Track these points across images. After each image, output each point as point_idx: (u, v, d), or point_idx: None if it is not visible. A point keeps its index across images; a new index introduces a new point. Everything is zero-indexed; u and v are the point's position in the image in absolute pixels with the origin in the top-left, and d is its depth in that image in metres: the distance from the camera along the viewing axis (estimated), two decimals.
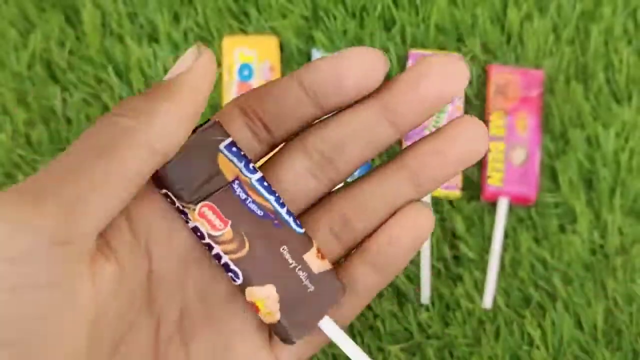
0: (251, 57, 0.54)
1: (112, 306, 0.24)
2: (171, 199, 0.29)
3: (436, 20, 0.56)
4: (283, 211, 0.32)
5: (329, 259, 0.30)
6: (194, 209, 0.30)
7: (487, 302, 0.54)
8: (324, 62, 0.26)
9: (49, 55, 0.55)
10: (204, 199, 0.31)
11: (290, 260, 0.32)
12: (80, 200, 0.22)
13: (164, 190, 0.29)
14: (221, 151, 0.31)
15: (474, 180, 0.55)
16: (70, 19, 0.57)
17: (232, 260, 0.31)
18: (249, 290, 0.31)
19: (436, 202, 0.55)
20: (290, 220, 0.32)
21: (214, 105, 0.55)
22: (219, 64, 0.55)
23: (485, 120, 0.56)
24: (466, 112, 0.56)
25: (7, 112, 0.55)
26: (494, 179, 0.54)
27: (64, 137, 0.54)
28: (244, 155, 0.30)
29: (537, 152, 0.54)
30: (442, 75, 0.26)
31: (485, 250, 0.55)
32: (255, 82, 0.54)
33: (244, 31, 0.56)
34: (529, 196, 0.54)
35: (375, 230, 0.28)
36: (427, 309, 0.54)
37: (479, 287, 0.54)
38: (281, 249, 0.32)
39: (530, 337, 0.54)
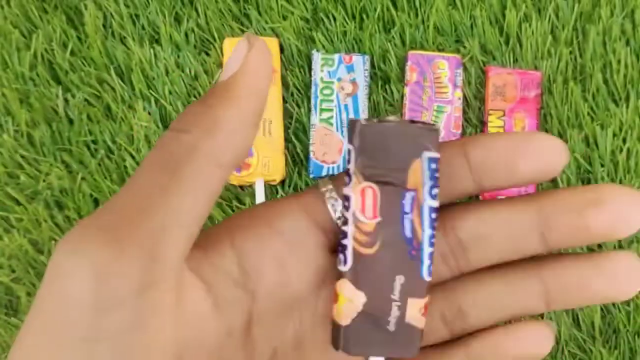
0: None
1: (200, 336, 0.23)
2: (349, 156, 0.29)
3: (435, 22, 0.56)
4: (427, 250, 0.30)
5: (434, 338, 0.28)
6: (360, 182, 0.29)
7: None
8: (498, 140, 0.24)
9: (51, 56, 0.56)
10: (376, 182, 0.29)
11: (396, 292, 0.30)
12: (160, 235, 0.21)
13: (350, 145, 0.28)
14: (422, 158, 0.29)
15: None
16: (73, 20, 0.57)
17: (354, 248, 0.30)
18: (344, 282, 0.30)
19: None
20: (426, 262, 0.30)
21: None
22: (220, 65, 0.55)
23: (483, 120, 0.56)
24: (465, 112, 0.56)
25: (10, 113, 0.55)
26: None
27: (66, 137, 0.54)
28: (437, 178, 0.28)
29: None
30: (614, 213, 0.23)
31: None
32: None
33: (244, 32, 0.56)
34: None
35: (487, 328, 0.26)
36: None
37: None
38: (397, 277, 0.30)
39: None
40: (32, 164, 0.55)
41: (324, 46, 0.56)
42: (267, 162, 0.54)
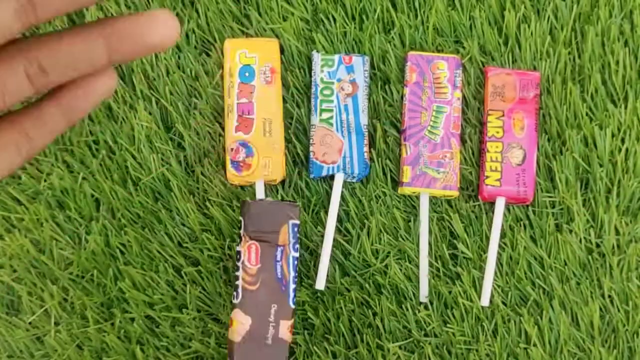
0: (252, 59, 0.55)
1: None
2: (240, 225, 0.47)
3: (435, 23, 0.57)
4: (292, 286, 0.47)
5: (21, 97, 0.31)
6: (247, 241, 0.46)
7: (485, 300, 0.54)
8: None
9: None
10: (257, 240, 0.46)
11: (272, 317, 0.46)
12: None
13: (241, 218, 0.47)
14: (289, 225, 0.47)
15: (472, 180, 0.56)
16: (74, 21, 0.57)
17: (243, 286, 0.46)
18: (236, 310, 0.46)
19: (434, 202, 0.56)
20: (292, 295, 0.47)
21: (218, 107, 0.56)
22: (220, 66, 0.56)
23: (482, 121, 0.56)
24: (464, 112, 0.56)
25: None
26: (491, 179, 0.54)
27: (67, 138, 0.55)
28: (298, 238, 0.47)
29: (534, 152, 0.55)
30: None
31: (482, 249, 0.55)
32: (256, 83, 0.55)
33: (245, 33, 0.56)
34: (526, 196, 0.54)
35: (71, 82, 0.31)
36: (426, 308, 0.55)
37: (477, 286, 0.55)
38: (272, 305, 0.46)
39: (527, 334, 0.55)
40: (34, 164, 0.55)
41: (324, 47, 0.56)
42: (268, 163, 0.54)
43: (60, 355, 0.53)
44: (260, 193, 0.54)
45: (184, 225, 0.55)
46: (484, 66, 0.57)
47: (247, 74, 0.55)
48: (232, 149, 0.54)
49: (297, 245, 0.46)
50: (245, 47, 0.55)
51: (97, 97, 0.31)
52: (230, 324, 0.46)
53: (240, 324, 0.46)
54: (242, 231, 0.46)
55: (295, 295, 0.46)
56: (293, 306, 0.46)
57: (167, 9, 0.28)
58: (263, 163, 0.54)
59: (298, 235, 0.46)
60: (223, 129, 0.55)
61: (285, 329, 0.46)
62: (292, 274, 0.47)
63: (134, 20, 0.29)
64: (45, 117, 0.31)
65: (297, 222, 0.47)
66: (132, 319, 0.54)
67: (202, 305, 0.54)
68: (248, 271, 0.46)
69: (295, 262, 0.46)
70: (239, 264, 0.46)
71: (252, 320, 0.46)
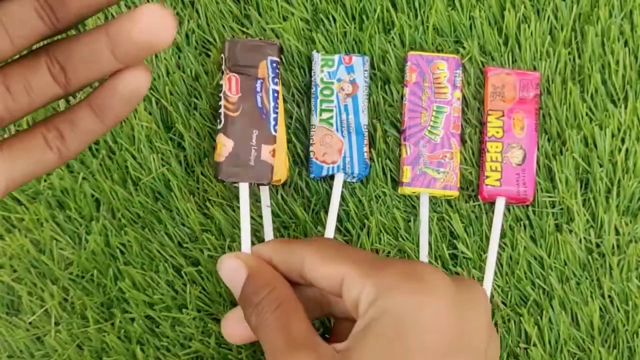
0: None
1: None
2: (221, 61, 0.52)
3: (435, 23, 0.57)
4: (272, 115, 0.51)
5: (51, 98, 0.33)
6: (228, 73, 0.50)
7: None
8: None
9: None
10: (237, 73, 0.51)
11: (253, 141, 0.50)
12: None
13: (222, 55, 0.52)
14: (267, 60, 0.52)
15: (472, 180, 0.56)
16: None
17: (225, 113, 0.50)
18: (220, 135, 0.50)
19: (434, 202, 0.56)
20: (272, 122, 0.51)
21: (218, 107, 0.56)
22: (220, 67, 0.56)
23: (482, 121, 0.56)
24: (464, 112, 0.56)
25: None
26: (491, 179, 0.54)
27: None
28: (278, 72, 0.52)
29: (534, 153, 0.55)
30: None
31: (482, 249, 0.55)
32: (222, 67, 0.55)
33: (245, 33, 0.56)
34: (526, 196, 0.54)
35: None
36: None
37: None
38: (253, 130, 0.50)
39: (527, 335, 0.55)
40: None
41: (324, 47, 0.56)
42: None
43: (60, 355, 0.53)
44: (265, 195, 0.54)
45: (184, 225, 0.55)
46: (484, 66, 0.57)
47: None
48: None
49: (277, 80, 0.51)
50: None
51: (127, 94, 0.31)
52: (215, 148, 0.51)
53: (224, 146, 0.50)
54: (222, 67, 0.51)
55: (276, 124, 0.50)
56: (274, 133, 0.51)
57: (156, 4, 0.28)
58: None
59: (278, 71, 0.51)
60: None
61: (267, 152, 0.50)
62: (272, 104, 0.51)
63: (126, 17, 0.29)
64: (79, 118, 0.32)
65: (276, 59, 0.52)
66: (132, 319, 0.54)
67: (202, 305, 0.54)
68: (229, 99, 0.50)
69: (276, 95, 0.51)
70: (221, 94, 0.50)
71: (235, 143, 0.50)
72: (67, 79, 0.31)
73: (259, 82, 0.51)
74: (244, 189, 0.50)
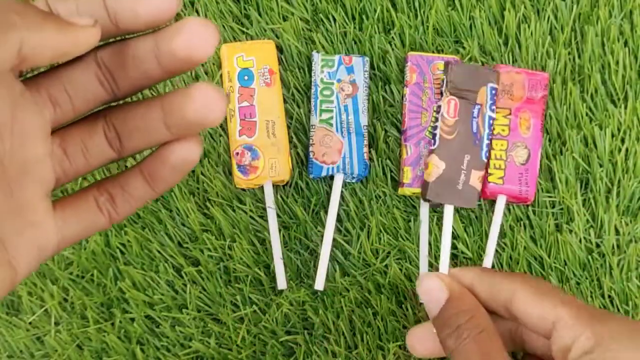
0: (250, 62, 0.55)
1: None
2: (442, 82, 0.53)
3: (435, 23, 0.57)
4: (485, 141, 0.52)
5: (105, 161, 0.33)
6: (448, 95, 0.52)
7: None
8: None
9: None
10: (457, 96, 0.52)
11: (464, 165, 0.52)
12: None
13: (445, 77, 0.53)
14: (487, 87, 0.53)
15: None
16: None
17: (440, 135, 0.51)
18: (433, 155, 0.52)
19: None
20: (485, 148, 0.52)
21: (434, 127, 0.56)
22: (219, 67, 0.56)
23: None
24: None
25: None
26: (494, 177, 0.54)
27: None
28: (494, 98, 0.52)
29: (539, 153, 0.55)
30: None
31: (482, 249, 0.55)
32: (256, 86, 0.55)
33: (244, 33, 0.56)
34: (528, 196, 0.54)
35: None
36: None
37: None
38: (465, 155, 0.52)
39: None
40: None
41: (323, 47, 0.56)
42: (274, 164, 0.54)
43: (60, 355, 0.53)
44: (269, 194, 0.54)
45: (184, 225, 0.55)
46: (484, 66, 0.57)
47: (246, 78, 0.55)
48: (237, 153, 0.54)
49: (494, 107, 0.52)
50: (242, 50, 0.55)
51: (178, 165, 0.32)
52: (426, 168, 0.52)
53: (436, 167, 0.51)
54: (443, 88, 0.52)
55: (488, 151, 0.52)
56: (485, 159, 0.52)
57: (210, 84, 0.29)
58: (269, 165, 0.54)
59: (495, 99, 0.52)
60: (223, 130, 0.55)
61: (475, 178, 0.52)
62: (487, 130, 0.52)
63: (181, 93, 0.30)
64: (130, 184, 0.33)
65: (495, 86, 0.52)
66: (132, 319, 0.54)
67: (202, 305, 0.54)
68: (446, 122, 0.51)
69: (491, 122, 0.52)
70: (439, 115, 0.51)
71: (446, 165, 0.51)
72: (122, 144, 0.32)
73: (476, 108, 0.52)
74: (448, 213, 0.52)
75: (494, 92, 0.52)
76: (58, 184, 0.32)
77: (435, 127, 0.51)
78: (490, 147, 0.53)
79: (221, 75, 0.55)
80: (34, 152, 0.30)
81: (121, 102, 0.32)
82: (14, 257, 0.29)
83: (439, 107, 0.50)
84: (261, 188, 0.55)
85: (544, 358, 0.42)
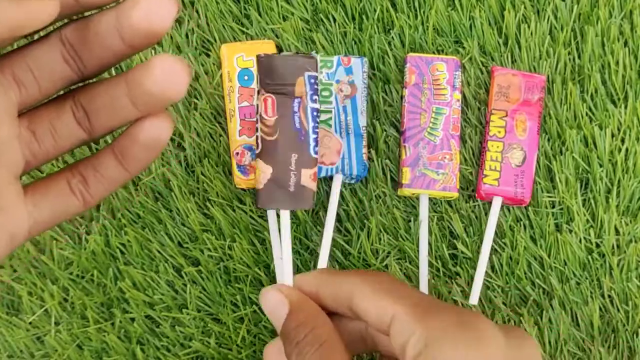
0: (250, 62, 0.55)
1: None
2: (256, 80, 0.46)
3: (434, 23, 0.57)
4: (312, 136, 0.47)
5: (76, 142, 0.33)
6: (263, 94, 0.46)
7: (474, 298, 0.54)
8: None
9: None
10: (272, 93, 0.46)
11: (293, 166, 0.47)
12: None
13: (257, 73, 0.46)
14: (305, 77, 0.46)
15: (472, 180, 0.56)
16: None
17: (262, 137, 0.46)
18: (258, 160, 0.47)
19: (434, 202, 0.56)
20: (312, 144, 0.47)
21: (219, 108, 0.56)
22: (219, 67, 0.56)
23: (485, 120, 0.56)
24: (464, 112, 0.56)
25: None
26: (489, 179, 0.54)
27: None
28: (316, 89, 0.46)
29: (534, 155, 0.55)
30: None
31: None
32: (256, 86, 0.55)
33: (244, 33, 0.56)
34: (523, 198, 0.54)
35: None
36: None
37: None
38: (292, 154, 0.47)
39: None
40: None
41: (323, 47, 0.56)
42: None
43: (60, 355, 0.54)
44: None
45: (184, 225, 0.55)
46: (483, 66, 0.57)
47: (246, 77, 0.55)
48: (237, 153, 0.54)
49: (316, 97, 0.46)
50: (242, 50, 0.55)
51: (148, 142, 0.32)
52: (254, 173, 0.49)
53: (262, 172, 0.47)
54: (258, 86, 0.46)
55: (317, 145, 0.46)
56: (315, 155, 0.47)
57: (170, 55, 0.29)
58: None
59: (316, 87, 0.46)
60: (223, 130, 0.55)
61: (307, 177, 0.47)
62: (312, 124, 0.46)
63: (142, 66, 0.30)
64: (102, 165, 0.33)
65: (315, 73, 0.46)
66: (132, 319, 0.54)
67: (202, 305, 0.54)
68: (266, 122, 0.46)
69: (315, 113, 0.46)
70: (257, 116, 0.46)
71: (273, 168, 0.47)
72: (91, 124, 0.32)
73: (296, 101, 0.47)
74: (284, 217, 0.47)
75: (313, 80, 0.46)
76: (28, 168, 0.32)
77: (256, 130, 0.46)
78: (317, 142, 0.48)
79: (221, 75, 0.55)
80: (0, 134, 0.29)
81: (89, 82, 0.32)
82: None
83: (257, 106, 0.45)
84: None
85: (394, 358, 0.41)
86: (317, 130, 0.47)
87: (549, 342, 0.54)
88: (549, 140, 0.56)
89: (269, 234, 0.54)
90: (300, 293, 0.43)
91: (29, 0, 0.27)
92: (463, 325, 0.36)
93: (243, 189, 0.55)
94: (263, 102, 0.46)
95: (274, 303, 0.42)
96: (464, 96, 0.56)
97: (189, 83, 0.30)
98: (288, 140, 0.47)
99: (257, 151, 0.47)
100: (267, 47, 0.55)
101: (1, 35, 0.27)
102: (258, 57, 0.46)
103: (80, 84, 0.32)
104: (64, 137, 0.32)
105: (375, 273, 0.42)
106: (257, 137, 0.47)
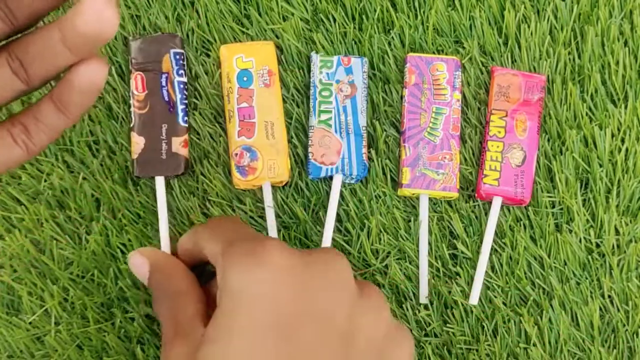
0: (249, 63, 0.55)
1: None
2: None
3: (434, 23, 0.57)
4: (180, 107, 0.53)
5: (14, 94, 0.34)
6: (134, 73, 0.52)
7: (474, 298, 0.54)
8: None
9: None
10: (142, 70, 0.52)
11: (163, 135, 0.52)
12: None
13: (128, 56, 0.51)
14: (170, 54, 0.53)
15: (472, 180, 0.56)
16: None
17: (134, 112, 0.52)
18: (132, 133, 0.52)
19: (434, 202, 0.56)
20: (181, 114, 0.53)
21: (218, 109, 0.56)
22: (219, 66, 0.56)
23: (485, 120, 0.56)
24: (465, 112, 0.56)
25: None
26: (489, 178, 0.54)
27: (68, 138, 0.55)
28: (182, 64, 0.53)
29: (535, 155, 0.55)
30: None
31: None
32: (255, 87, 0.55)
33: (244, 33, 0.56)
34: (523, 198, 0.54)
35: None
36: (426, 308, 0.55)
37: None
38: (163, 125, 0.52)
39: (527, 335, 0.55)
40: (34, 164, 0.55)
41: (323, 47, 0.56)
42: (273, 165, 0.54)
43: (60, 355, 0.54)
44: (267, 196, 0.54)
45: (184, 225, 0.55)
46: (483, 66, 0.57)
47: (245, 79, 0.55)
48: (236, 154, 0.54)
49: (182, 71, 0.53)
50: (242, 51, 0.55)
51: (84, 87, 0.33)
52: (129, 144, 0.53)
53: (136, 144, 0.52)
54: (130, 66, 0.52)
55: (186, 115, 0.53)
56: (184, 124, 0.53)
57: None
58: (268, 166, 0.54)
59: (182, 62, 0.53)
60: (223, 130, 0.55)
61: (177, 145, 0.52)
62: (179, 96, 0.53)
63: (73, 9, 0.30)
64: (42, 112, 0.34)
65: (179, 50, 0.53)
66: (133, 319, 0.54)
67: None
68: (137, 98, 0.52)
69: (182, 86, 0.53)
70: (130, 93, 0.52)
71: (145, 139, 0.52)
72: (28, 74, 0.32)
73: (164, 76, 0.52)
74: (159, 184, 0.52)
75: (178, 56, 0.53)
76: None
77: (130, 106, 0.52)
78: (187, 112, 0.53)
79: (220, 76, 0.55)
80: None
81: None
82: None
83: (129, 85, 0.52)
84: (261, 188, 0.55)
85: None
86: (185, 101, 0.53)
87: (549, 342, 0.54)
88: (549, 140, 0.56)
89: (268, 234, 0.54)
90: (160, 252, 0.49)
91: None
92: (252, 250, 0.39)
93: (242, 190, 0.55)
94: (134, 80, 0.52)
95: (137, 265, 0.47)
96: (464, 96, 0.56)
97: (118, 23, 0.30)
98: (158, 112, 0.52)
99: (131, 125, 0.52)
100: (267, 48, 0.55)
101: None
102: (126, 39, 0.52)
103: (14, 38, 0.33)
104: (1, 88, 0.32)
105: (220, 218, 0.49)
106: (130, 112, 0.52)
